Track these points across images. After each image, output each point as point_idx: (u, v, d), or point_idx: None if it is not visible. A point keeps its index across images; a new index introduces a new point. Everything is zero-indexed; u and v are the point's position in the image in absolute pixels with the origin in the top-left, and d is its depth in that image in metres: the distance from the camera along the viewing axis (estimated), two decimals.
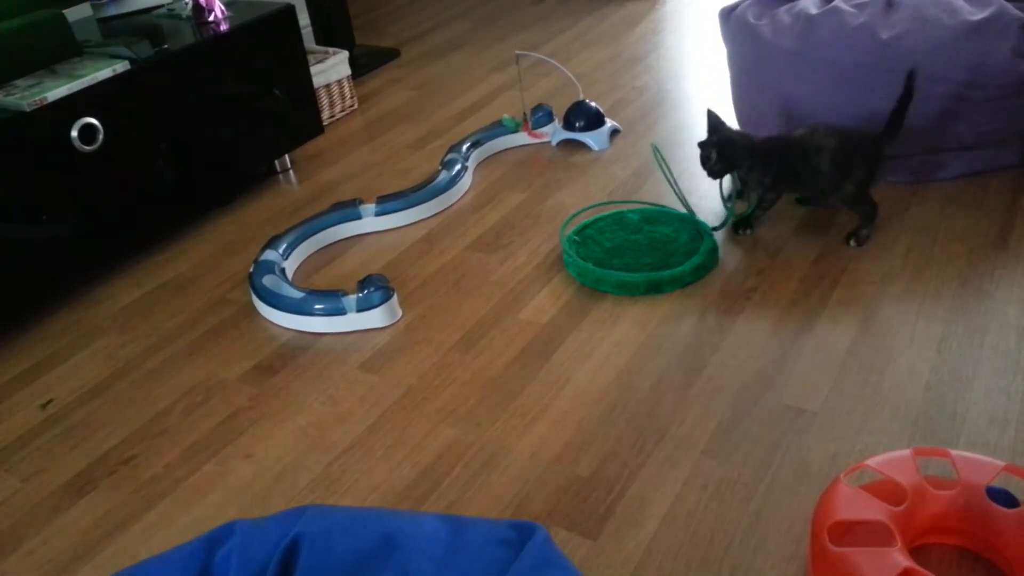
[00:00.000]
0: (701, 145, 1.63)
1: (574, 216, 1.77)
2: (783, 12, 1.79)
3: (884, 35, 1.63)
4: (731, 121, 2.07)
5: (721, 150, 1.60)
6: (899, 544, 0.91)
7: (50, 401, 1.47)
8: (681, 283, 1.53)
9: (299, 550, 0.77)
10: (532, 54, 2.50)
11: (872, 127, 1.57)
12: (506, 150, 2.14)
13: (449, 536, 0.78)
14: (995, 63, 1.59)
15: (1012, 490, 1.01)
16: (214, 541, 0.79)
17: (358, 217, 1.84)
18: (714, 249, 1.59)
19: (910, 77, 1.51)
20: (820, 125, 1.58)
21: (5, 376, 1.54)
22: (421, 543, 0.78)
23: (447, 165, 1.98)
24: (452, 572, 0.75)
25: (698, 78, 2.40)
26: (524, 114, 2.15)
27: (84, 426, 1.40)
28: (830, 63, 1.69)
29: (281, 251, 1.72)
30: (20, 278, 1.59)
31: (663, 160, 1.85)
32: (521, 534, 0.78)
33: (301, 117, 2.11)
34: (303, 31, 2.23)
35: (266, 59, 1.97)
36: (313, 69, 2.20)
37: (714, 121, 1.61)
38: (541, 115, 2.13)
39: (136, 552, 1.16)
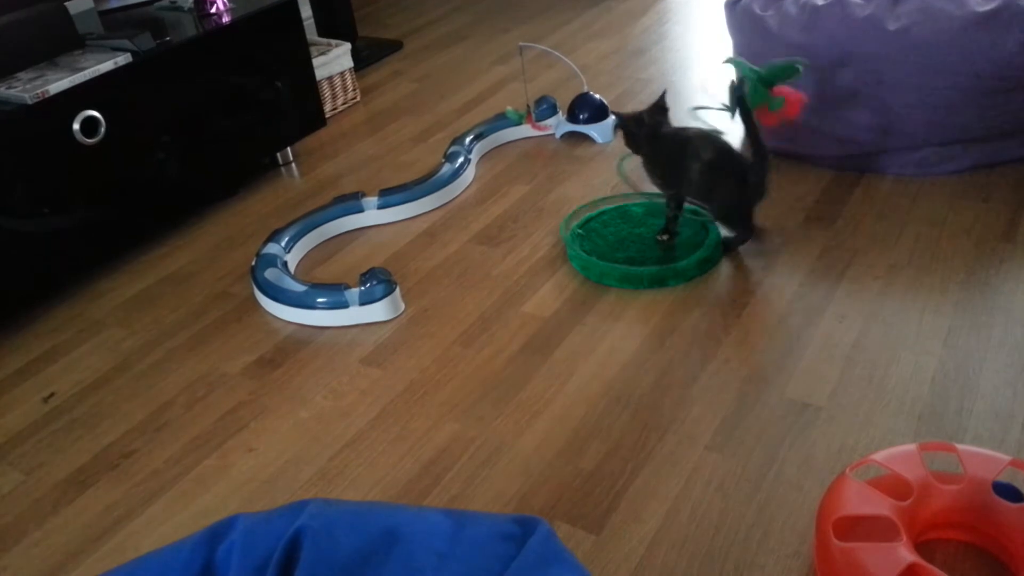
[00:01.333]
0: (618, 117, 1.59)
1: (573, 214, 1.76)
2: (789, 3, 1.78)
3: (891, 26, 1.62)
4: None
5: (625, 127, 1.57)
6: (904, 539, 0.90)
7: (52, 395, 1.46)
8: (685, 277, 1.53)
9: (301, 544, 0.77)
10: (536, 46, 2.49)
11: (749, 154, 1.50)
12: (509, 143, 2.13)
13: (452, 530, 0.77)
14: (1002, 55, 1.58)
15: (1018, 485, 1.01)
16: (216, 535, 0.79)
17: (360, 210, 1.84)
18: (719, 243, 1.58)
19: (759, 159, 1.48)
20: (712, 134, 1.51)
21: (7, 369, 1.54)
22: (423, 537, 0.77)
23: (450, 158, 1.97)
24: (454, 566, 0.74)
25: (703, 70, 2.38)
26: (528, 106, 2.14)
27: (86, 420, 1.40)
28: (836, 55, 1.68)
29: (283, 244, 1.71)
30: (21, 271, 1.59)
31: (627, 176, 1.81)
32: (524, 529, 0.78)
33: (303, 110, 2.10)
34: (305, 23, 2.22)
35: (268, 51, 1.96)
36: (315, 61, 2.19)
37: (659, 101, 1.56)
38: (545, 107, 2.12)
39: (138, 546, 1.15)
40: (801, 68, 1.52)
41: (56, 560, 1.15)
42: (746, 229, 1.57)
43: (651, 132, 1.55)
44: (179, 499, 1.22)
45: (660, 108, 1.56)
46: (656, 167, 1.57)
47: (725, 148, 1.50)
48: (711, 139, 1.51)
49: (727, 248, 1.58)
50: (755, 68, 1.54)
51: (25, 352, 1.58)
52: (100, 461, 1.31)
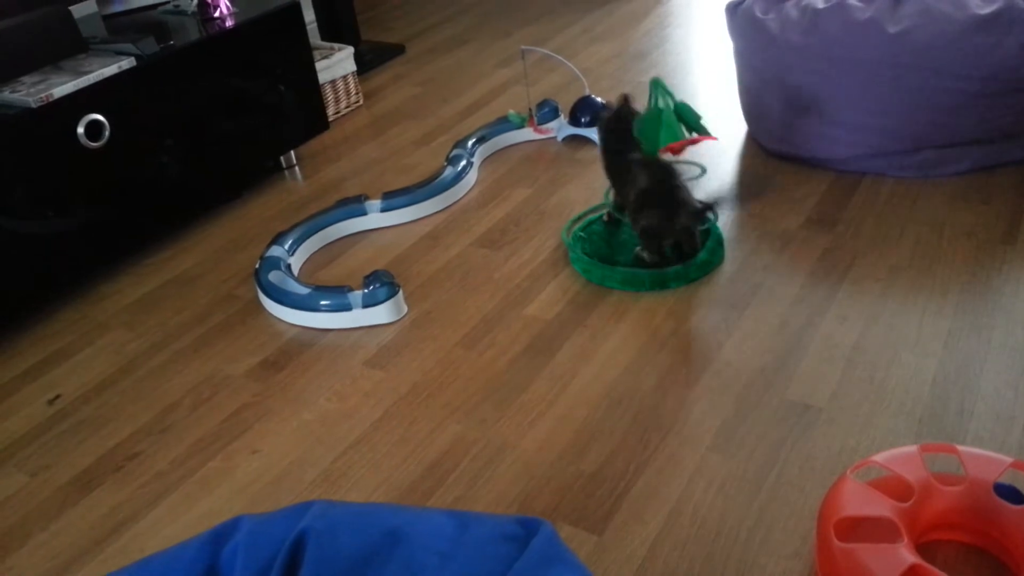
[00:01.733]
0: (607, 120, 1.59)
1: (574, 220, 1.76)
2: (790, 6, 1.78)
3: (892, 29, 1.62)
4: (738, 116, 2.07)
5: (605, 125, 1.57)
6: (906, 540, 0.91)
7: (57, 397, 1.47)
8: (687, 279, 1.53)
9: (305, 545, 0.77)
10: (537, 49, 2.50)
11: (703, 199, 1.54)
12: (511, 146, 2.13)
13: (454, 531, 0.78)
14: (1003, 57, 1.58)
15: (1020, 486, 1.01)
16: (221, 536, 0.80)
17: (363, 213, 1.84)
18: (720, 245, 1.58)
19: (709, 208, 1.51)
20: (656, 164, 1.50)
21: (12, 372, 1.55)
22: (426, 538, 0.77)
23: (452, 161, 1.98)
24: (457, 567, 0.75)
25: (704, 73, 2.39)
26: (530, 110, 2.15)
27: (91, 422, 1.40)
28: (837, 58, 1.68)
29: (287, 247, 1.72)
30: (26, 274, 1.60)
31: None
32: (526, 529, 0.78)
33: (306, 113, 2.11)
34: (308, 27, 2.23)
35: (271, 55, 1.97)
36: (318, 65, 2.19)
37: (621, 108, 1.56)
38: (547, 111, 2.13)
39: (143, 547, 1.16)
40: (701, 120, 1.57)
41: (61, 561, 1.16)
42: (657, 256, 1.53)
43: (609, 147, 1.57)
44: (184, 501, 1.23)
45: (622, 117, 1.55)
46: (610, 169, 1.60)
47: (662, 179, 1.48)
48: (653, 168, 1.49)
49: (633, 262, 1.56)
50: (674, 99, 1.55)
51: (30, 355, 1.59)
52: (105, 463, 1.32)
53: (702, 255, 1.54)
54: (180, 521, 1.20)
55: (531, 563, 0.74)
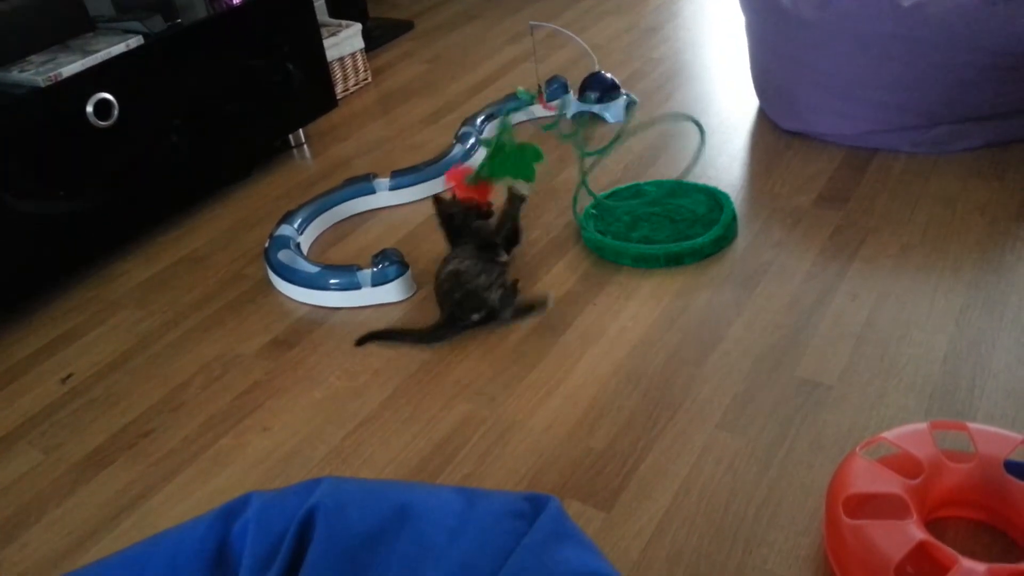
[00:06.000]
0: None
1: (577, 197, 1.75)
2: None
3: (905, 3, 1.60)
4: (749, 92, 2.05)
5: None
6: (915, 517, 0.90)
7: (70, 375, 1.48)
8: (701, 255, 1.52)
9: (315, 521, 0.78)
10: (547, 24, 2.48)
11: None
12: (520, 123, 2.12)
13: (463, 507, 0.78)
14: (1017, 31, 1.56)
15: None
16: (231, 513, 0.80)
17: (372, 192, 1.84)
18: (734, 220, 1.57)
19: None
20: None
21: (25, 350, 1.56)
22: (435, 514, 0.78)
23: (461, 139, 1.97)
24: (465, 542, 0.75)
25: (716, 48, 2.36)
26: (539, 86, 2.13)
27: (103, 400, 1.41)
28: (850, 32, 1.66)
29: (296, 226, 1.72)
30: (38, 254, 1.61)
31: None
32: (535, 506, 0.78)
33: (314, 91, 2.10)
34: (316, 4, 2.21)
35: (279, 33, 1.96)
36: (326, 42, 2.18)
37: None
38: (556, 87, 2.11)
39: (155, 523, 1.17)
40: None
41: (75, 537, 1.17)
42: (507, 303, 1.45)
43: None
44: (195, 478, 1.24)
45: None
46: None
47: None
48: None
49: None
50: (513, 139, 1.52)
51: (43, 334, 1.60)
52: (118, 440, 1.33)
53: (716, 230, 1.53)
54: (192, 498, 1.21)
55: (539, 539, 0.74)
